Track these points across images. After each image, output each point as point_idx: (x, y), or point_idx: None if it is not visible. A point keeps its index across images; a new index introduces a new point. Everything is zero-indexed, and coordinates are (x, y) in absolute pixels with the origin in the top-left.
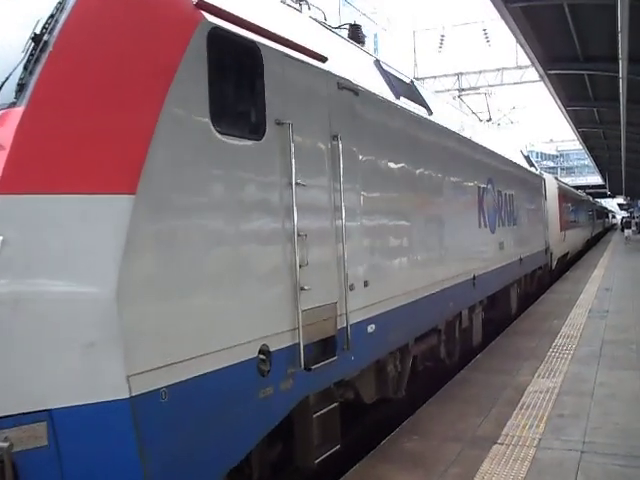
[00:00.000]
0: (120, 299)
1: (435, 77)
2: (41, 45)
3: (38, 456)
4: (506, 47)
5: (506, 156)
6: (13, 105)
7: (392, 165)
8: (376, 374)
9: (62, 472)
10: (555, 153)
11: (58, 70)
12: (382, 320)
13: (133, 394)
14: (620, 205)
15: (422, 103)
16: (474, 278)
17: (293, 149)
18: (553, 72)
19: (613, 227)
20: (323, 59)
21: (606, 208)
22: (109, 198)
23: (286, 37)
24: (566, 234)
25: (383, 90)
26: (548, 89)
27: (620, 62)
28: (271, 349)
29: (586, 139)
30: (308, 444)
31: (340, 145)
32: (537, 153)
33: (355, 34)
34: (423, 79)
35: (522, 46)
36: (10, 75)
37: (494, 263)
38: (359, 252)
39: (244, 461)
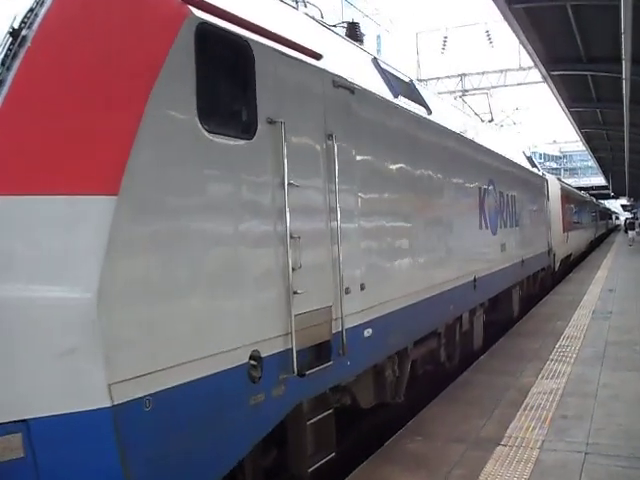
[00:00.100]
0: (101, 303)
1: (438, 78)
2: (19, 40)
3: (14, 468)
4: (509, 48)
5: (508, 157)
6: None
7: (390, 165)
8: (374, 379)
9: None
10: (558, 154)
11: (37, 66)
12: (380, 324)
13: (115, 403)
14: (623, 206)
15: (421, 102)
16: (475, 280)
17: (286, 148)
18: (556, 73)
19: (616, 228)
20: (318, 56)
21: (609, 209)
22: (90, 199)
23: (279, 34)
24: (569, 235)
25: (381, 89)
26: (551, 90)
27: (623, 63)
28: (262, 355)
29: (589, 140)
30: (301, 452)
31: (335, 145)
32: (540, 154)
33: (353, 32)
34: (426, 80)
35: (525, 47)
36: None
37: (495, 265)
38: (355, 255)
39: (237, 467)
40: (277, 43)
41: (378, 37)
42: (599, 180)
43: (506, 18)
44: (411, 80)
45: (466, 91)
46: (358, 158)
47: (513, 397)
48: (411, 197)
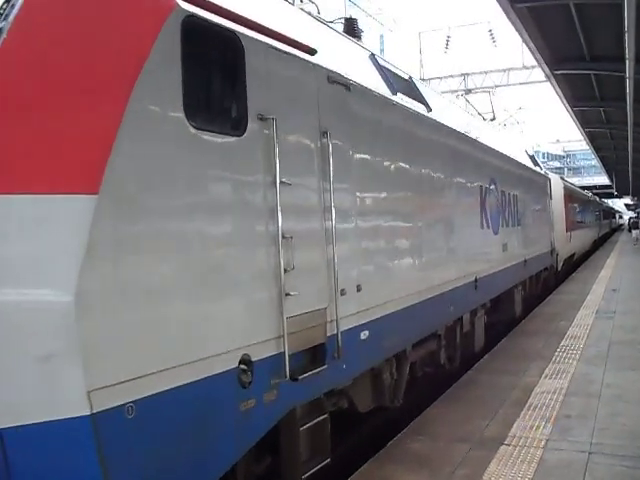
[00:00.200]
0: (79, 307)
1: (441, 78)
2: None
3: None
4: (512, 47)
5: (510, 155)
6: None
7: (388, 164)
8: (371, 382)
9: None
10: (562, 153)
11: (13, 59)
12: (377, 326)
13: (95, 411)
14: (627, 205)
15: (421, 100)
16: (476, 281)
17: (277, 146)
18: (559, 72)
19: (620, 227)
20: (312, 51)
21: (613, 208)
22: (67, 198)
23: (270, 28)
24: (572, 235)
25: (378, 85)
26: (554, 89)
27: (627, 62)
28: (253, 359)
29: (593, 139)
30: (294, 458)
31: (330, 142)
32: (544, 153)
33: (350, 28)
34: (429, 80)
35: (528, 46)
36: None
37: (497, 265)
38: (351, 255)
39: (229, 474)
40: (268, 37)
41: (381, 37)
42: (603, 179)
43: (509, 17)
44: (410, 77)
45: (469, 90)
46: (354, 156)
47: (517, 397)
48: (410, 196)
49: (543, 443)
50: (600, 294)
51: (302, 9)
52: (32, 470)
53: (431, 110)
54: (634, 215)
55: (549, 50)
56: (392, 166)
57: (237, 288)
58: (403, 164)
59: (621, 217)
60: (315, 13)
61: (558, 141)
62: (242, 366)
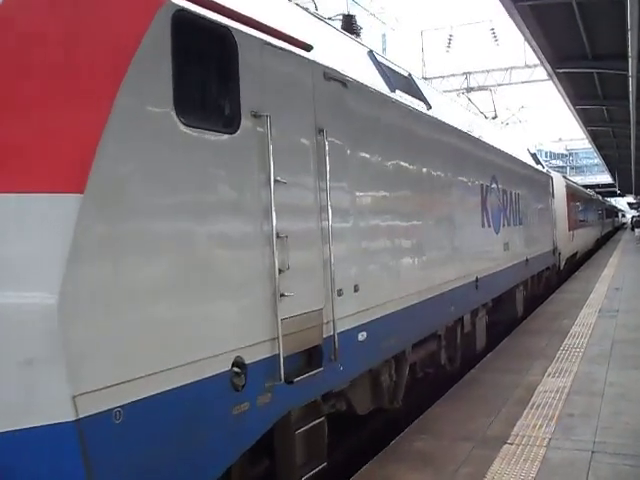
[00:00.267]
0: (63, 309)
1: (443, 77)
2: None
3: None
4: (514, 46)
5: (512, 154)
6: None
7: (386, 162)
8: (370, 384)
9: None
10: (564, 152)
11: None
12: (375, 327)
13: (80, 416)
14: (630, 204)
15: (420, 97)
16: (477, 280)
17: (272, 143)
18: (562, 71)
19: (623, 226)
20: (308, 47)
21: (616, 207)
22: (51, 197)
23: (264, 23)
24: (575, 234)
25: (376, 82)
26: (557, 88)
27: (630, 60)
28: (246, 361)
29: (595, 138)
30: (290, 463)
31: (326, 140)
32: (546, 152)
33: (348, 24)
34: (431, 79)
35: (530, 44)
36: None
37: (498, 264)
38: (348, 255)
39: (225, 476)
40: (263, 33)
41: (383, 35)
42: (605, 178)
43: (511, 15)
44: (410, 74)
45: (471, 89)
46: (351, 154)
47: (520, 395)
48: (409, 195)
49: (546, 442)
50: (603, 293)
51: (297, 4)
52: (17, 477)
53: (431, 108)
54: (637, 214)
55: (551, 48)
56: (390, 164)
57: (229, 289)
58: (402, 162)
59: (624, 216)
60: (313, 10)
61: (560, 140)
62: (235, 369)
